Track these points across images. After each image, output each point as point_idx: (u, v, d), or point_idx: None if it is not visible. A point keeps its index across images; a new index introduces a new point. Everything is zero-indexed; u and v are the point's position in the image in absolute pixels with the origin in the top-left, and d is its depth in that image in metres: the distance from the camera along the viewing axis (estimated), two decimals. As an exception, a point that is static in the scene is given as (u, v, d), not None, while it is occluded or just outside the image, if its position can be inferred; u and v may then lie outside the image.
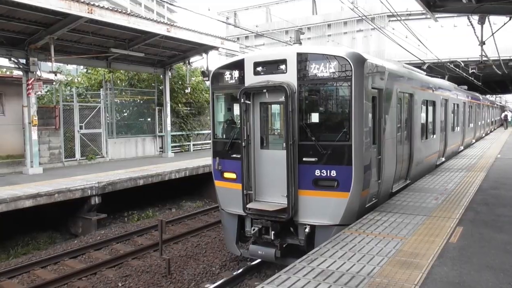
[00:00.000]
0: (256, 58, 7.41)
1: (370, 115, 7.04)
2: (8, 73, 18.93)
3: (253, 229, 7.22)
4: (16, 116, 16.21)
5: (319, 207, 6.76)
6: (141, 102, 20.52)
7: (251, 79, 7.30)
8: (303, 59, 6.88)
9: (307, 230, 6.90)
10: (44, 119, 15.42)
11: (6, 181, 12.04)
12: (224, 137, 8.11)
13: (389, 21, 26.08)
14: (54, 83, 18.15)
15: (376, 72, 7.34)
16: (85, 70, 21.99)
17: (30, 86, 13.52)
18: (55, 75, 14.43)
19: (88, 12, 11.89)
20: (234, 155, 7.49)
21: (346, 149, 6.57)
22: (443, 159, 14.09)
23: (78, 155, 16.44)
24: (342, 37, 28.85)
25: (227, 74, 7.74)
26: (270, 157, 7.28)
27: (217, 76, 7.97)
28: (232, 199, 7.59)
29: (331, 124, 7.10)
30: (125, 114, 19.95)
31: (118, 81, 20.56)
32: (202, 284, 7.78)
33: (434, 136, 12.34)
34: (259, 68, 7.27)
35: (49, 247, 10.54)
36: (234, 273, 7.99)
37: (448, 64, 23.29)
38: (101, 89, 18.06)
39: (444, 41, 24.07)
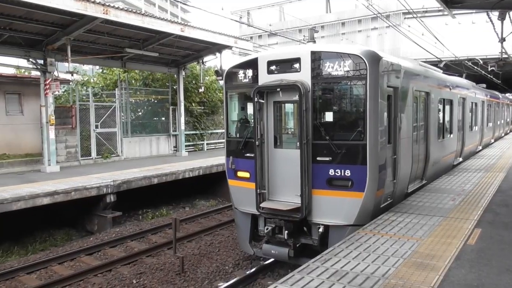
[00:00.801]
0: (269, 57, 7.35)
1: (385, 114, 6.92)
2: (26, 73, 19.29)
3: (267, 228, 7.17)
4: (34, 115, 16.51)
5: (333, 207, 6.69)
6: (155, 101, 20.69)
7: (264, 78, 7.26)
8: (317, 58, 6.80)
9: (320, 230, 6.85)
10: (61, 119, 15.68)
11: (24, 179, 12.28)
12: (238, 136, 8.09)
13: (405, 18, 25.74)
14: (70, 83, 18.44)
15: (391, 70, 7.22)
16: (100, 70, 22.29)
17: (47, 86, 13.76)
18: (72, 75, 14.65)
19: (104, 13, 12.04)
20: (247, 154, 7.47)
21: (360, 148, 6.48)
22: (461, 159, 13.79)
23: (94, 154, 16.66)
24: (356, 35, 28.58)
25: (240, 73, 7.70)
26: (284, 156, 7.23)
27: (231, 75, 7.95)
28: (246, 198, 7.57)
29: (345, 123, 6.99)
30: (140, 113, 20.15)
31: (133, 81, 20.78)
32: (215, 283, 7.80)
33: (451, 135, 12.11)
34: (273, 67, 7.22)
35: (66, 243, 10.72)
36: (247, 272, 8.00)
37: (466, 62, 22.87)
38: (116, 89, 18.27)
39: (461, 38, 23.63)
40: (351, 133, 6.68)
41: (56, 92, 14.84)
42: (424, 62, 12.26)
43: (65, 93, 19.12)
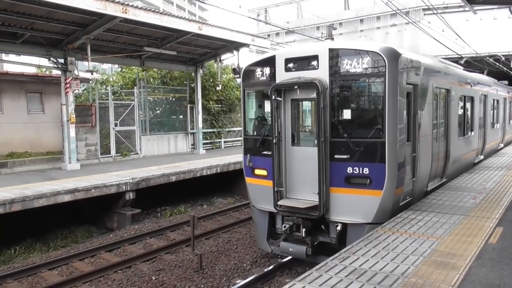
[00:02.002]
0: (287, 55, 7.33)
1: (404, 112, 6.85)
2: (47, 72, 19.71)
3: (284, 226, 7.18)
4: (55, 114, 16.87)
5: (351, 205, 6.66)
6: (173, 99, 20.88)
7: (282, 76, 7.25)
8: (335, 55, 6.75)
9: (338, 228, 6.83)
10: (81, 117, 15.98)
11: (46, 177, 12.56)
12: (255, 134, 8.09)
13: (425, 14, 25.28)
14: (90, 81, 18.76)
15: (410, 67, 7.12)
16: (119, 69, 22.60)
17: (68, 85, 14.03)
18: (92, 74, 14.92)
19: (123, 12, 12.21)
20: (265, 152, 7.49)
21: (379, 146, 6.42)
22: (482, 157, 13.51)
23: (113, 151, 16.93)
24: (375, 32, 28.21)
25: (258, 71, 7.71)
26: (301, 154, 7.21)
27: (248, 73, 7.98)
28: (263, 196, 7.59)
29: (363, 120, 6.93)
30: (158, 111, 20.37)
31: (151, 79, 21.01)
32: (233, 280, 7.83)
33: (472, 133, 11.88)
34: (290, 65, 7.20)
35: (86, 240, 10.93)
36: (265, 270, 8.01)
37: (488, 58, 22.32)
38: (135, 87, 18.51)
39: (483, 35, 23.08)
40: (369, 130, 6.62)
41: (76, 91, 15.12)
42: (445, 58, 12.05)
43: (85, 91, 19.47)
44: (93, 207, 11.88)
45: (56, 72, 16.87)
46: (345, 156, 6.61)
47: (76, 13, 12.17)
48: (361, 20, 29.26)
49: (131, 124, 17.63)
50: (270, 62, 7.49)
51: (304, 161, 7.13)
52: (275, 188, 7.23)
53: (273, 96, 7.12)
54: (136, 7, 12.81)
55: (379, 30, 28.42)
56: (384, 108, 6.40)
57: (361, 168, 6.51)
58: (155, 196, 13.57)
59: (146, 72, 19.98)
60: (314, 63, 6.90)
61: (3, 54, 19.28)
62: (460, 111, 10.71)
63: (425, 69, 7.76)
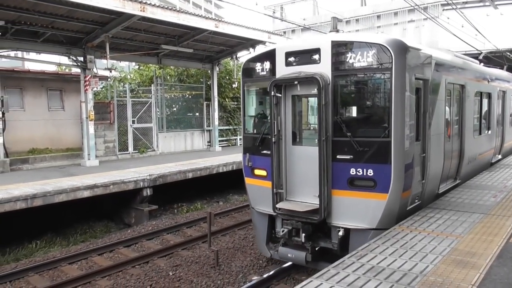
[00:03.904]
0: (287, 48, 6.87)
1: (413, 109, 6.41)
2: (67, 70, 20.08)
3: (283, 231, 6.78)
4: (74, 111, 17.17)
5: (355, 209, 6.24)
6: (190, 97, 21.03)
7: (282, 71, 6.82)
8: (338, 48, 6.29)
9: (340, 233, 6.37)
10: (100, 114, 16.23)
11: (66, 173, 12.81)
12: (255, 132, 7.61)
13: (443, 10, 24.82)
14: (108, 79, 19.03)
15: (420, 61, 6.71)
16: (137, 66, 22.87)
17: (87, 83, 14.27)
18: (110, 71, 15.14)
19: (141, 10, 12.35)
20: (264, 151, 7.07)
21: (385, 146, 5.97)
22: (500, 156, 12.94)
23: (131, 148, 17.16)
24: (392, 28, 27.82)
25: (258, 66, 7.27)
26: (303, 154, 6.79)
27: (248, 68, 7.56)
28: (263, 197, 7.18)
29: (368, 118, 6.49)
30: (175, 109, 20.55)
31: (168, 77, 21.21)
32: (250, 276, 7.87)
33: (489, 131, 11.41)
34: (291, 59, 6.75)
35: (105, 235, 11.11)
36: (282, 266, 8.01)
37: (508, 53, 21.81)
38: (152, 85, 18.70)
39: (504, 30, 22.53)
40: (374, 129, 6.22)
41: (95, 88, 15.39)
42: (464, 54, 11.78)
43: (103, 89, 19.78)
44: (112, 203, 12.07)
45: (76, 70, 17.20)
46: (348, 157, 6.19)
47: (95, 12, 12.37)
48: (378, 16, 28.89)
49: (148, 122, 17.84)
50: (270, 56, 7.05)
51: (305, 161, 6.69)
52: (274, 189, 6.82)
53: (273, 92, 6.70)
54: (154, 5, 12.93)
55: (397, 26, 28.02)
56: (390, 105, 5.95)
57: (365, 170, 6.08)
58: (172, 193, 13.71)
59: (163, 69, 20.17)
60: (316, 57, 6.46)
61: (25, 53, 19.74)
62: (476, 108, 10.21)
63: (436, 63, 7.31)
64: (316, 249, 6.75)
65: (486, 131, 11.20)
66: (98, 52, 14.54)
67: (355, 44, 6.18)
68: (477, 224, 6.08)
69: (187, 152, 18.90)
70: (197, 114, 20.77)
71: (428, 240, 5.39)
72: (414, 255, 4.87)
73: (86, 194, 10.55)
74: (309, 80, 6.37)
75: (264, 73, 7.16)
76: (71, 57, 14.35)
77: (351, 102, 6.64)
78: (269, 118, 7.00)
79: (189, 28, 14.93)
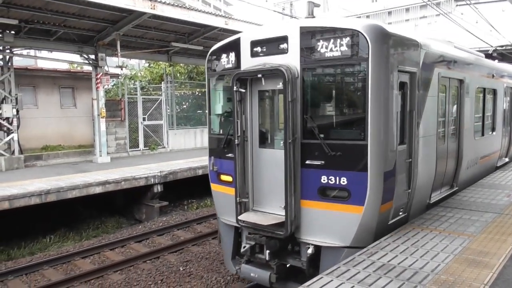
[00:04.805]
0: (253, 37, 5.96)
1: (395, 107, 5.47)
2: (79, 68, 20.28)
3: (244, 247, 5.97)
4: (86, 108, 17.39)
5: (326, 223, 5.41)
6: (200, 94, 21.11)
7: (247, 62, 5.94)
8: (307, 36, 5.39)
9: (309, 251, 5.55)
10: (111, 112, 16.40)
11: (78, 169, 12.98)
12: (221, 132, 6.70)
13: (457, 5, 24.53)
14: (119, 77, 19.20)
15: (405, 51, 5.78)
16: (147, 64, 23.02)
17: (98, 80, 14.42)
18: (121, 69, 15.26)
19: (151, 8, 12.42)
20: (230, 154, 6.21)
21: (360, 150, 5.11)
22: (507, 159, 11.83)
23: (141, 145, 17.31)
24: (403, 25, 27.61)
25: (223, 57, 6.36)
26: (271, 158, 5.91)
27: (212, 60, 6.63)
28: (229, 206, 6.27)
29: (341, 118, 5.61)
30: (185, 106, 20.67)
31: (178, 75, 21.31)
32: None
33: (494, 132, 10.26)
34: (258, 49, 5.87)
35: (116, 231, 11.26)
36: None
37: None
38: (162, 83, 18.82)
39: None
40: (348, 130, 5.43)
41: (106, 86, 15.52)
42: (478, 51, 11.51)
43: (114, 87, 19.95)
44: (123, 199, 12.21)
45: (87, 68, 17.37)
46: (318, 162, 5.35)
47: (106, 10, 12.47)
48: (389, 13, 28.68)
49: (159, 119, 17.97)
50: (235, 46, 6.16)
51: (274, 166, 5.80)
52: (237, 198, 5.98)
53: (235, 87, 5.84)
54: (164, 3, 12.99)
55: (408, 23, 27.79)
56: (366, 103, 5.06)
57: (337, 178, 5.25)
58: (182, 189, 13.82)
59: (173, 67, 20.27)
60: (284, 46, 5.58)
61: (37, 51, 19.96)
62: (478, 106, 9.16)
63: (427, 54, 6.28)
64: (287, 266, 5.90)
65: (490, 132, 10.12)
66: (109, 50, 14.67)
67: (325, 31, 5.28)
68: (490, 224, 6.02)
69: (197, 149, 19.00)
70: (207, 111, 20.80)
71: (440, 239, 5.36)
72: (425, 254, 4.84)
73: (98, 190, 10.68)
74: (273, 72, 5.50)
75: (230, 65, 6.24)
76: (83, 55, 14.49)
77: (323, 98, 5.71)
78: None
79: (199, 26, 14.97)
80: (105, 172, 12.16)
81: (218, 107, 6.84)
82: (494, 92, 10.31)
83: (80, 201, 10.80)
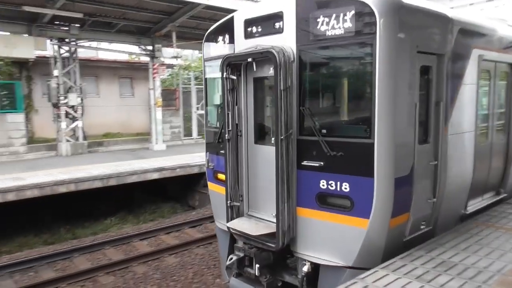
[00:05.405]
0: (247, 15, 5.12)
1: (414, 97, 4.47)
2: (136, 59, 21.10)
3: (230, 258, 5.17)
4: (143, 98, 18.10)
5: (325, 237, 4.53)
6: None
7: (242, 45, 5.12)
8: (305, 11, 4.47)
9: (305, 268, 4.69)
10: (166, 101, 16.97)
11: (136, 156, 13.61)
12: (218, 125, 5.77)
13: (528, -13, 22.61)
14: (174, 67, 19.75)
15: (430, 27, 4.70)
16: (200, 55, 23.46)
17: (155, 70, 14.93)
18: (176, 59, 15.70)
19: (206, -1, 12.63)
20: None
21: (365, 150, 4.15)
22: None
23: (195, 134, 17.77)
24: (467, 10, 25.93)
25: (220, 40, 5.56)
26: (268, 156, 4.97)
27: (209, 43, 5.84)
28: (224, 208, 5.43)
29: (343, 110, 4.71)
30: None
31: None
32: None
33: None
34: (253, 28, 5.04)
35: (172, 216, 11.71)
36: None
37: None
38: (215, 72, 19.10)
39: None
40: (352, 126, 4.50)
41: (162, 76, 16.06)
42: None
43: (169, 77, 20.57)
44: (178, 186, 12.64)
45: (144, 59, 18.02)
46: (317, 164, 4.46)
47: (163, 2, 12.85)
48: (452, -3, 27.02)
49: (212, 108, 18.31)
50: (229, 27, 5.38)
51: (272, 166, 4.78)
52: (228, 201, 5.20)
53: (225, 74, 5.03)
54: (218, -7, 13.15)
55: (472, 7, 26.05)
56: (373, 91, 4.08)
57: (338, 183, 4.35)
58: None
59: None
60: (279, 24, 4.70)
61: (97, 43, 20.98)
62: None
63: (462, 31, 5.11)
64: (279, 284, 5.16)
65: None
66: (165, 41, 15.12)
67: (327, 4, 4.34)
68: (562, 223, 5.58)
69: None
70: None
71: (507, 238, 5.05)
72: (491, 253, 4.58)
73: (155, 176, 11.14)
74: (265, 56, 4.61)
75: (225, 49, 5.44)
76: (140, 46, 15.06)
77: (322, 86, 4.81)
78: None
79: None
80: (161, 159, 12.64)
81: (216, 97, 6.04)
82: None
83: (138, 186, 11.32)
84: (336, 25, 4.24)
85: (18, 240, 9.58)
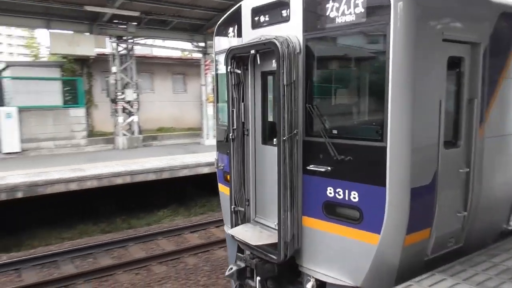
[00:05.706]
0: (255, 3, 4.69)
1: (439, 93, 3.85)
2: (189, 55, 21.64)
3: (230, 269, 4.76)
4: (195, 93, 18.53)
5: (332, 251, 4.05)
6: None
7: (249, 36, 4.70)
8: None
9: (309, 285, 4.25)
10: (217, 96, 17.26)
11: (188, 150, 13.97)
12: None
13: None
14: (225, 63, 20.05)
15: (459, 9, 4.03)
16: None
17: (207, 67, 15.21)
18: (227, 56, 15.91)
19: (258, -6, 12.63)
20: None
21: (375, 154, 3.62)
22: None
23: (244, 129, 17.95)
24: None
25: (230, 32, 5.14)
26: (276, 158, 4.33)
27: (218, 36, 5.44)
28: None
29: (352, 108, 4.19)
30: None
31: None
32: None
33: None
34: (260, 18, 4.60)
35: (220, 210, 11.87)
36: None
37: None
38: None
39: None
40: (362, 126, 3.98)
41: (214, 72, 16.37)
42: None
43: (220, 73, 20.90)
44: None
45: (196, 55, 18.44)
46: (323, 169, 3.97)
47: (216, -1, 13.04)
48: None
49: (261, 104, 18.38)
50: (237, 16, 4.97)
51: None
52: (233, 206, 4.82)
53: (229, 67, 4.63)
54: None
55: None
56: (385, 86, 3.51)
57: (346, 191, 3.85)
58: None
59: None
60: (285, 12, 4.24)
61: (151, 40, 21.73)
62: None
63: (504, 16, 4.35)
64: None
65: None
66: (217, 37, 15.35)
67: None
68: None
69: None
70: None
71: None
72: (561, 261, 4.23)
73: (206, 170, 11.39)
74: (268, 47, 4.16)
75: (233, 41, 5.05)
76: (193, 42, 15.41)
77: (330, 81, 4.35)
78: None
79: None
80: (212, 154, 12.85)
81: (226, 93, 5.62)
82: None
83: (189, 179, 11.62)
84: (347, 10, 3.74)
85: (79, 228, 10.19)
